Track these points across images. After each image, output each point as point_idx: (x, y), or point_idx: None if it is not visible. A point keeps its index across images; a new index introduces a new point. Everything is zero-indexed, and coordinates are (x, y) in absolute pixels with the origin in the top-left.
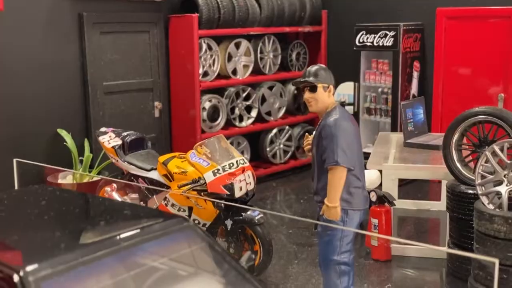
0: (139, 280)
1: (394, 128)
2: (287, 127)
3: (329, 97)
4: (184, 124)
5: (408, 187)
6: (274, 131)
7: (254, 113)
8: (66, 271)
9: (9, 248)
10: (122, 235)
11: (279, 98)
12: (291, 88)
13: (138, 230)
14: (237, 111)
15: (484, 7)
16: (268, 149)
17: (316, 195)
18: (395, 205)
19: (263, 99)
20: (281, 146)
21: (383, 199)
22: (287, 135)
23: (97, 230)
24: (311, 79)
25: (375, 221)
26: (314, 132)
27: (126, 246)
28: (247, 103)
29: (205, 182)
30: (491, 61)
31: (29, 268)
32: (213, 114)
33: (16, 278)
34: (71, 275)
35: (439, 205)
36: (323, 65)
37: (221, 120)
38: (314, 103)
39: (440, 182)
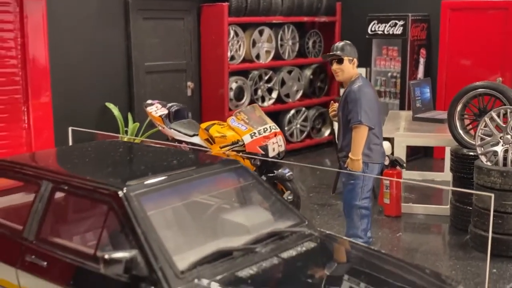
0: (205, 202)
1: (402, 108)
2: (303, 108)
3: (353, 68)
4: (213, 102)
5: (414, 163)
6: (292, 112)
7: (274, 95)
8: (155, 191)
9: (112, 176)
10: (192, 169)
11: (296, 82)
12: (307, 73)
13: (205, 166)
14: (259, 92)
15: (484, 0)
16: (286, 128)
17: (341, 152)
18: (405, 168)
19: (283, 82)
20: (298, 126)
21: (394, 163)
22: (303, 116)
23: (174, 166)
24: (338, 53)
25: (387, 182)
26: (339, 100)
27: (196, 177)
28: (269, 85)
29: (244, 144)
30: (490, 49)
31: (130, 187)
32: (239, 94)
33: (121, 193)
34: (158, 194)
35: (443, 176)
36: (348, 41)
37: (245, 100)
38: (340, 73)
39: (443, 159)
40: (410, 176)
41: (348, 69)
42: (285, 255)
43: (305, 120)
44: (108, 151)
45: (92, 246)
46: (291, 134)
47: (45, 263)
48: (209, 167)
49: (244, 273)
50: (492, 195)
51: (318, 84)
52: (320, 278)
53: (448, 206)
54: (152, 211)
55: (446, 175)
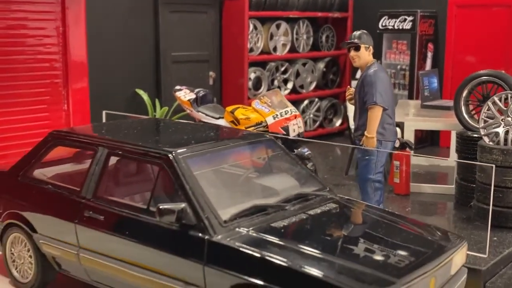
0: (240, 168)
1: (411, 99)
2: (316, 99)
3: (369, 55)
4: (233, 91)
5: (421, 151)
6: (306, 102)
7: (290, 85)
8: (200, 155)
9: (160, 143)
10: (231, 139)
11: (310, 73)
12: (321, 65)
13: (239, 138)
14: (276, 82)
15: None
16: None
17: (357, 131)
18: (413, 149)
19: (298, 74)
20: (311, 115)
21: (404, 145)
22: (316, 106)
23: (212, 137)
24: (355, 41)
25: (397, 163)
26: (355, 86)
27: (232, 146)
28: (285, 76)
29: (267, 124)
30: (494, 44)
31: (178, 151)
32: (257, 84)
33: (171, 156)
34: (201, 158)
35: (448, 162)
36: (365, 31)
37: (263, 89)
38: (357, 59)
39: (448, 147)
40: (417, 161)
41: (364, 55)
42: (311, 212)
43: (318, 110)
44: (151, 125)
45: (145, 202)
46: (305, 123)
47: (102, 217)
48: (243, 138)
49: (277, 224)
50: (493, 165)
51: (331, 76)
52: (342, 231)
53: (453, 186)
54: (197, 172)
55: (452, 160)
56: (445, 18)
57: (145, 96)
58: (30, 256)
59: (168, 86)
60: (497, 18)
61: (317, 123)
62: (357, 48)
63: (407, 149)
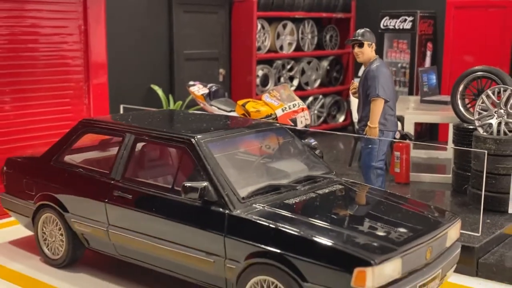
0: (255, 152)
1: (411, 95)
2: (320, 96)
3: (371, 51)
4: (241, 87)
5: (420, 146)
6: (310, 98)
7: (295, 82)
8: (219, 140)
9: (182, 129)
10: (246, 127)
11: (315, 71)
12: (325, 64)
13: (253, 125)
14: (282, 79)
15: None
16: None
17: (360, 122)
18: (413, 140)
19: (303, 72)
20: (315, 112)
21: (404, 137)
22: (320, 103)
23: (231, 124)
24: (359, 38)
25: (397, 153)
26: (359, 80)
27: (247, 133)
28: (290, 73)
29: (276, 117)
30: (490, 43)
31: (200, 136)
32: (264, 80)
33: (193, 140)
34: (220, 143)
35: (446, 154)
36: (368, 29)
37: (270, 86)
38: (361, 55)
39: (446, 142)
40: (416, 154)
41: (367, 52)
42: (319, 192)
43: (322, 106)
44: (172, 115)
45: (170, 182)
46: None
47: (130, 196)
48: (257, 126)
49: (289, 201)
50: (486, 151)
51: (334, 74)
52: (348, 207)
53: (450, 175)
54: (217, 155)
55: (449, 153)
56: (443, 18)
57: (159, 91)
58: (61, 235)
59: (181, 82)
60: (493, 19)
61: (321, 119)
62: (361, 45)
63: (407, 140)
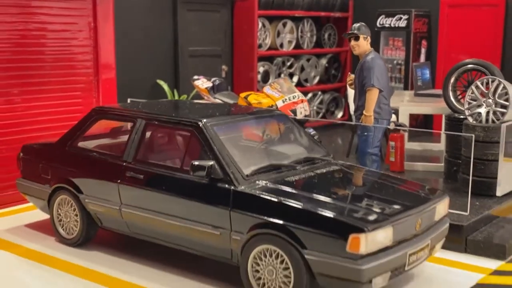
0: (259, 134)
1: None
2: (319, 92)
3: (367, 44)
4: (243, 83)
5: (415, 138)
6: (309, 95)
7: (295, 79)
8: (224, 124)
9: (190, 114)
10: (249, 113)
11: (314, 69)
12: (323, 61)
13: (257, 112)
14: (282, 76)
15: None
16: None
17: (356, 111)
18: (407, 130)
19: (302, 69)
20: (315, 108)
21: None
22: (319, 99)
23: (235, 111)
24: (355, 32)
25: (392, 143)
26: (355, 72)
27: (250, 118)
28: (290, 70)
29: (277, 107)
30: (482, 41)
31: (206, 120)
32: (265, 77)
33: (201, 124)
34: (225, 126)
35: (439, 146)
36: (363, 23)
37: (271, 82)
38: (357, 48)
39: (439, 135)
40: (411, 146)
41: (363, 44)
42: (318, 171)
43: (320, 103)
44: (179, 104)
45: (178, 162)
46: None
47: (142, 176)
48: (259, 112)
49: (290, 179)
50: (473, 135)
51: (333, 71)
52: (346, 185)
53: (443, 164)
54: (223, 137)
55: (442, 145)
56: (437, 17)
57: (165, 86)
58: (76, 215)
59: (185, 77)
60: (485, 17)
61: (320, 115)
62: (357, 38)
63: (402, 131)
